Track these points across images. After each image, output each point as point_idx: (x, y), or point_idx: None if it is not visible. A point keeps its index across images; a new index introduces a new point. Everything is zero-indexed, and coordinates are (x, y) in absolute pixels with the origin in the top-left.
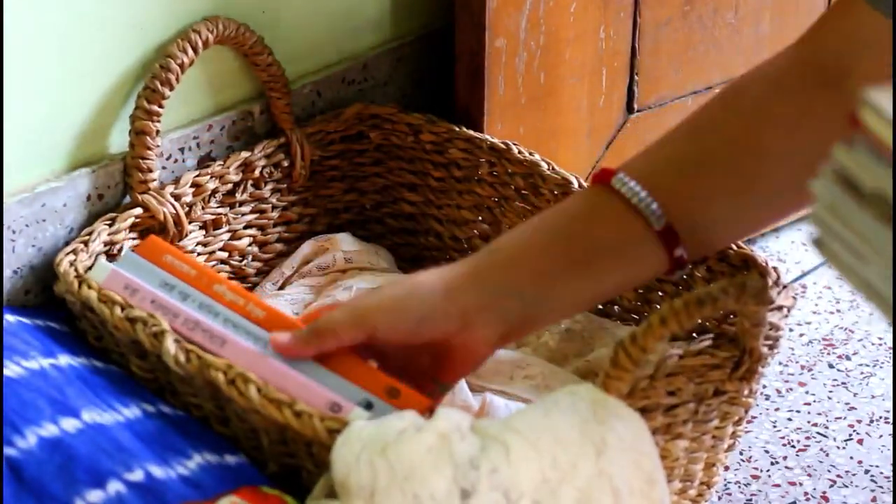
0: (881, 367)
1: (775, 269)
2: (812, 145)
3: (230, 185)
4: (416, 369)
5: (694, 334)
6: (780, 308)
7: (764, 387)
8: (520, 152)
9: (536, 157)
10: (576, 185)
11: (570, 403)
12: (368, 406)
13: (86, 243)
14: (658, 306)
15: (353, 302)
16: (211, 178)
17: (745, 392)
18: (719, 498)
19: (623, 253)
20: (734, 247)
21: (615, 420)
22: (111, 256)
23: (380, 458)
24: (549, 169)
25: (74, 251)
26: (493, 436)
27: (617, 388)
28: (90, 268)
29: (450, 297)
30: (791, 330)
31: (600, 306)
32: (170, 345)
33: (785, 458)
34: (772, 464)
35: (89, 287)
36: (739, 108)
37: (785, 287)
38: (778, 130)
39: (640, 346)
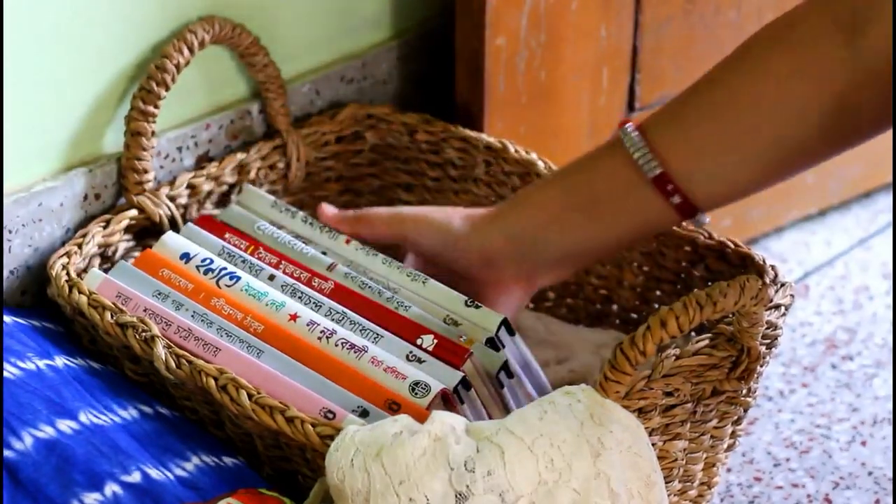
0: (884, 369)
1: (773, 267)
2: (807, 99)
3: (225, 187)
4: None
5: (692, 333)
6: (777, 307)
7: (766, 388)
8: (516, 151)
9: (533, 155)
10: None
11: (567, 405)
12: (364, 414)
13: (79, 245)
14: (657, 305)
15: (398, 207)
16: (206, 179)
17: (744, 391)
18: (722, 500)
19: (622, 201)
20: (732, 245)
21: (612, 422)
22: (106, 259)
23: (374, 463)
24: (545, 168)
25: (68, 254)
26: (488, 438)
27: (615, 390)
28: (84, 270)
29: (473, 233)
30: (794, 331)
31: (598, 305)
32: (160, 350)
33: (788, 459)
34: (774, 465)
35: (80, 292)
36: (744, 60)
37: (783, 285)
38: (773, 82)
39: (639, 349)
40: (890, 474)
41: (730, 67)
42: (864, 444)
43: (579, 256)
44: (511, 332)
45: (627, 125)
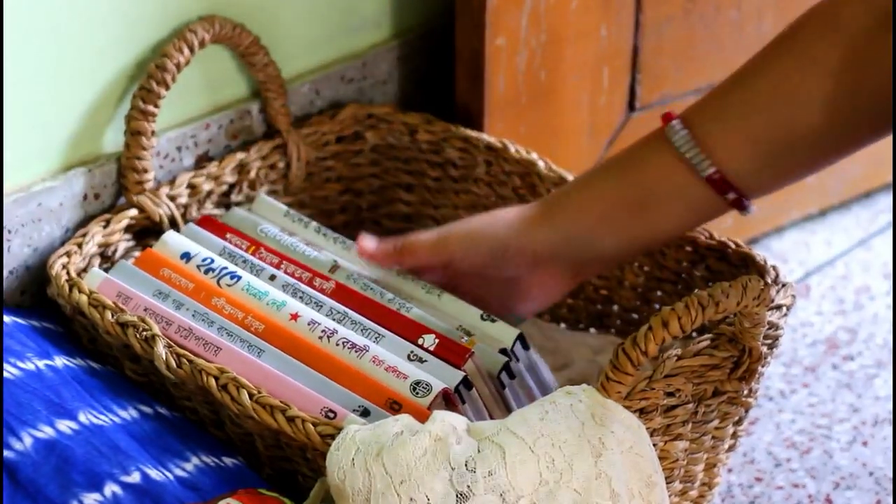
0: (885, 369)
1: (774, 267)
2: (859, 90)
3: (225, 187)
4: (492, 299)
5: (694, 334)
6: (779, 307)
7: (767, 388)
8: (516, 151)
9: (533, 155)
10: None
11: (568, 405)
12: (365, 413)
13: (79, 245)
14: (657, 306)
15: (439, 228)
16: (207, 178)
17: (745, 392)
18: (723, 500)
19: (675, 200)
20: (733, 245)
21: (613, 422)
22: (106, 258)
23: (375, 463)
24: (545, 167)
25: (68, 253)
26: (489, 438)
27: (617, 390)
28: (84, 269)
29: (523, 237)
30: (794, 331)
31: (599, 306)
32: (161, 349)
33: (788, 459)
34: (775, 466)
35: (80, 291)
36: (789, 50)
37: (784, 286)
38: (823, 74)
39: (640, 348)
40: (891, 474)
41: (773, 57)
42: (864, 444)
43: (628, 253)
44: (526, 347)
45: (674, 122)
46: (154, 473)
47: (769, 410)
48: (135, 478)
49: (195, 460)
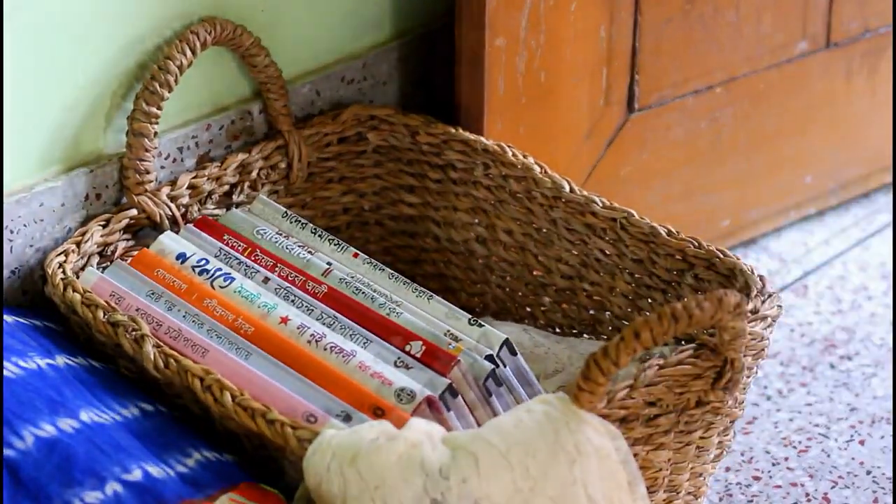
0: (883, 368)
1: (762, 277)
2: None
3: (227, 187)
4: None
5: (683, 341)
6: (764, 318)
7: (765, 387)
8: (514, 155)
9: (530, 160)
10: (567, 188)
11: (543, 412)
12: (347, 419)
13: (78, 244)
14: (648, 314)
15: None
16: (208, 179)
17: (730, 402)
18: (721, 499)
19: None
20: (721, 255)
21: (588, 428)
22: (105, 258)
23: (349, 468)
24: (541, 172)
25: (65, 252)
26: (463, 446)
27: (589, 401)
28: (82, 268)
29: None
30: (792, 330)
31: (592, 312)
32: (149, 349)
33: (786, 458)
34: (773, 465)
35: (74, 290)
36: None
37: (770, 296)
38: None
39: (612, 359)
40: (888, 473)
41: None
42: (862, 443)
43: None
44: (513, 352)
45: None
46: (155, 471)
47: (767, 410)
48: (136, 475)
49: (197, 455)
